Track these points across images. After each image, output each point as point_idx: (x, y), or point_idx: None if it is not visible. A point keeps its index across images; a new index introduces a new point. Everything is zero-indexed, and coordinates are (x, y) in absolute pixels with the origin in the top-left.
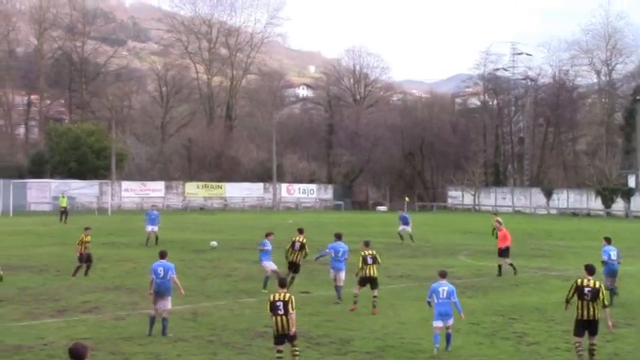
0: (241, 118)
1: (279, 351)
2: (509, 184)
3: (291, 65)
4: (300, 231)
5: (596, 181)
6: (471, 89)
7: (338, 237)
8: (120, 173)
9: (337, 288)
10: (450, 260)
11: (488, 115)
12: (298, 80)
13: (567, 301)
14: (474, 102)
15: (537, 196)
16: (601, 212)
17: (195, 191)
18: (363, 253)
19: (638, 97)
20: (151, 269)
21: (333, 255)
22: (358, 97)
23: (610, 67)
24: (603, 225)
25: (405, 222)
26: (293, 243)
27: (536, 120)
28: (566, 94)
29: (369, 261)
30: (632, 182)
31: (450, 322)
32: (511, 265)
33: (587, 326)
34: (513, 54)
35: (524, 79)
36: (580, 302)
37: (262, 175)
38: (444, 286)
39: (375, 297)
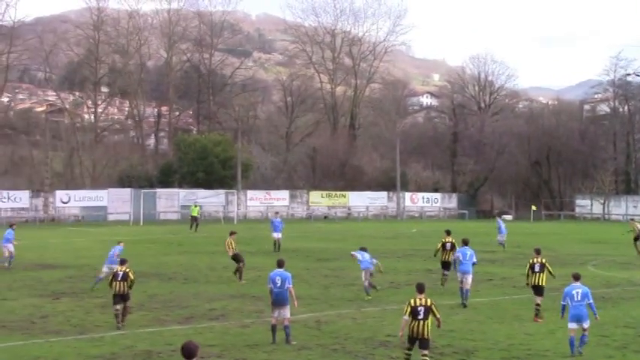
0: (365, 127)
1: (408, 350)
2: None
3: (415, 74)
4: (448, 232)
5: None
6: (600, 95)
7: (465, 242)
8: (245, 182)
9: (464, 291)
10: (577, 270)
11: (619, 121)
12: (422, 89)
13: None
14: (604, 109)
15: None
16: None
17: (319, 200)
18: (531, 261)
19: None
20: (268, 278)
21: (460, 259)
22: (483, 105)
23: None
24: None
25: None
26: (444, 244)
27: None
28: None
29: (537, 269)
30: None
31: (587, 324)
32: None
33: None
34: None
35: None
36: None
37: (386, 184)
38: (578, 289)
39: (537, 305)
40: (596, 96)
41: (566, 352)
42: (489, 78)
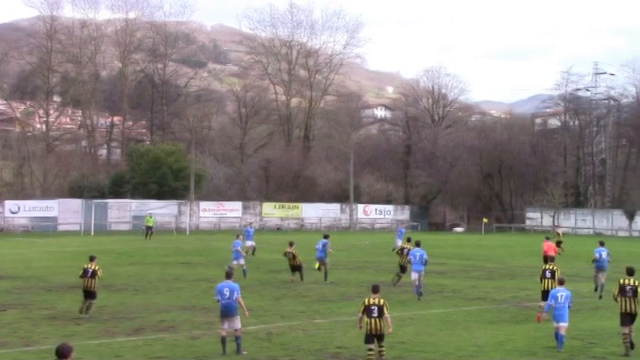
0: (319, 139)
1: (370, 349)
2: (590, 205)
3: (370, 86)
4: (409, 240)
5: None
6: (551, 109)
7: (417, 244)
8: (198, 193)
9: (417, 288)
10: (527, 282)
11: (569, 135)
12: (376, 101)
13: (615, 299)
14: (555, 122)
15: (619, 218)
16: None
17: (272, 211)
18: (543, 267)
19: None
20: (216, 290)
21: (413, 260)
22: (436, 117)
23: None
24: None
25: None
26: (402, 249)
27: (618, 141)
28: None
29: (548, 275)
30: None
31: (566, 324)
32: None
33: (628, 318)
34: (595, 74)
35: (606, 100)
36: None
37: (339, 195)
38: (562, 292)
39: (540, 305)
40: (547, 110)
41: None
42: (442, 91)
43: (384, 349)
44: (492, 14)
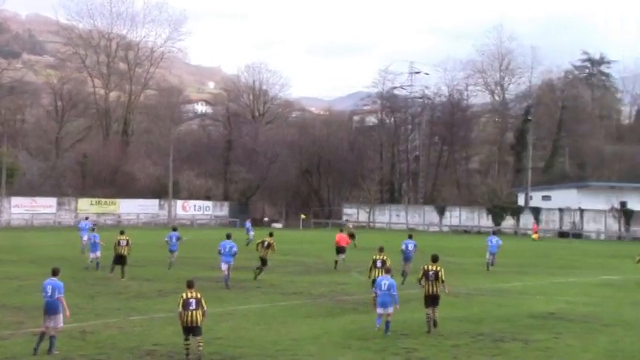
0: (139, 134)
1: (186, 339)
2: (404, 201)
3: (191, 81)
4: (271, 234)
5: (487, 199)
6: (368, 107)
7: (228, 236)
8: (10, 188)
9: (224, 279)
10: (342, 277)
11: (385, 133)
12: (197, 96)
13: (419, 282)
14: (372, 120)
15: (431, 214)
16: (491, 230)
17: (88, 207)
18: (374, 257)
19: (529, 117)
20: (42, 287)
21: (222, 251)
22: (257, 113)
23: (503, 88)
24: None
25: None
26: (263, 242)
27: (431, 138)
28: (460, 113)
29: (378, 265)
30: (521, 200)
31: (390, 310)
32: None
33: (430, 300)
34: (411, 73)
35: (420, 98)
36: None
37: (158, 191)
38: (386, 280)
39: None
40: (365, 107)
41: (330, 356)
42: (264, 87)
43: (201, 343)
44: (314, 11)
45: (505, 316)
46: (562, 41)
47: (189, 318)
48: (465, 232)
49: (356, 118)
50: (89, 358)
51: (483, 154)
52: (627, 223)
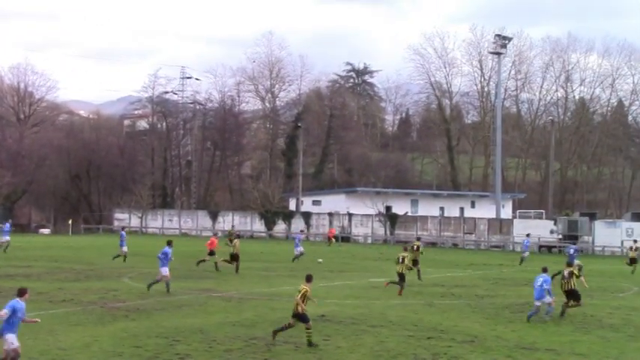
0: None
1: None
2: (177, 206)
3: None
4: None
5: (259, 204)
6: (139, 111)
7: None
8: None
9: None
10: (114, 283)
11: (157, 137)
12: None
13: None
14: (143, 125)
15: (204, 219)
16: (264, 234)
17: None
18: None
19: (298, 124)
20: None
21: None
22: (22, 116)
23: (273, 95)
24: (266, 247)
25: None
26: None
27: (204, 144)
28: (232, 119)
29: (400, 260)
30: (292, 205)
31: (546, 300)
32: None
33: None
34: (182, 78)
35: (192, 104)
36: None
37: None
38: (540, 278)
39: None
40: (135, 112)
41: None
42: (29, 89)
43: None
44: (89, 14)
45: (279, 320)
46: (331, 53)
47: None
48: (238, 236)
49: (127, 122)
50: None
51: (255, 159)
52: (392, 227)
